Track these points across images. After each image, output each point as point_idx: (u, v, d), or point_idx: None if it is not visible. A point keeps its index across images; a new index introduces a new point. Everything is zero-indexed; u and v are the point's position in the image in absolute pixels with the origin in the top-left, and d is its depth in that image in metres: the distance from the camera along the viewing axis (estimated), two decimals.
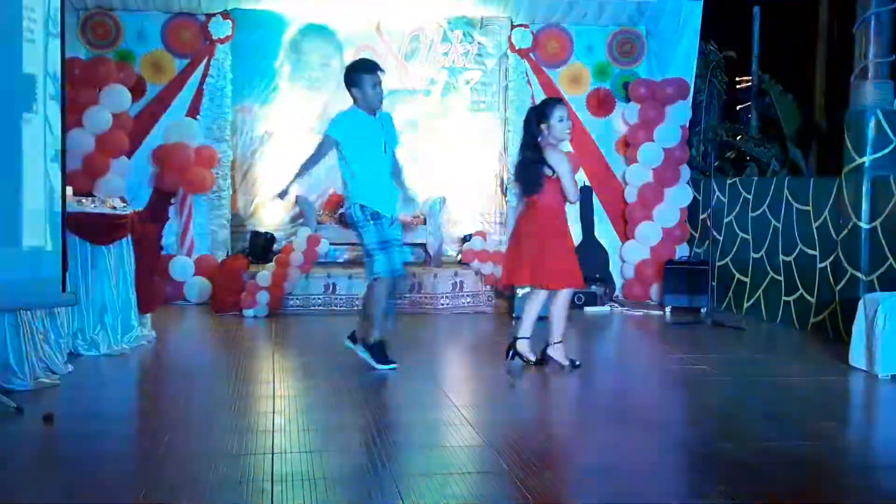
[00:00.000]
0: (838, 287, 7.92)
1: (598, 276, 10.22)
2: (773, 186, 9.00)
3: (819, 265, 8.24)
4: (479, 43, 10.45)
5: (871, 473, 4.53)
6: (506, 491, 4.04)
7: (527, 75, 10.49)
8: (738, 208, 9.53)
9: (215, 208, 9.97)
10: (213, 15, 9.89)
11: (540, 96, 10.42)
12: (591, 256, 10.36)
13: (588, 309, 9.60)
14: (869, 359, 6.52)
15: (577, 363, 6.62)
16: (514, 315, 9.01)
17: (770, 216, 8.98)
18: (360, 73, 6.36)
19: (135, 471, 4.32)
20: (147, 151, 9.76)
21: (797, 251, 8.56)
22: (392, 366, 6.45)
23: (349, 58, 10.16)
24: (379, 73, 6.38)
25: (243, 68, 10.08)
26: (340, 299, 9.27)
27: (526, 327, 6.67)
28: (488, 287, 9.43)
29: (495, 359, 6.93)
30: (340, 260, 10.21)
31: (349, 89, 6.42)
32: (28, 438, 4.84)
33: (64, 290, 5.89)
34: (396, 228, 6.48)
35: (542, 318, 6.63)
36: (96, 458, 4.50)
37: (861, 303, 6.73)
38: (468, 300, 9.46)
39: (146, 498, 3.88)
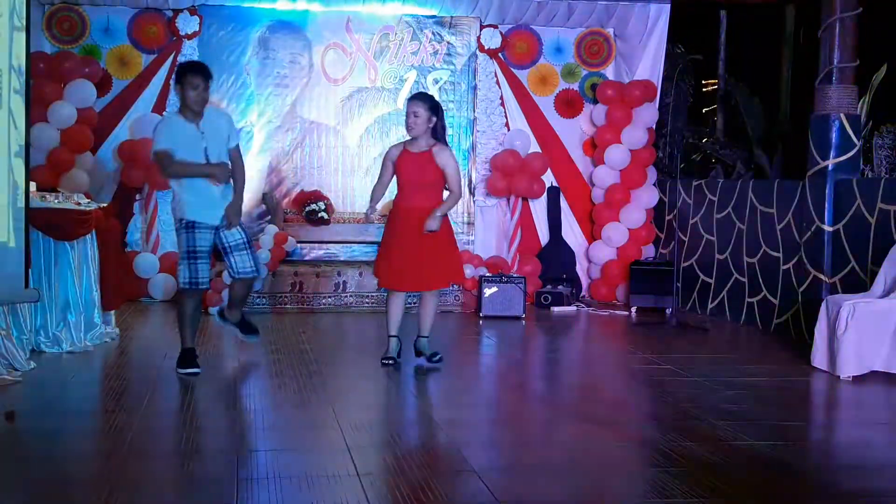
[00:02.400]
0: (801, 289, 8.01)
1: (564, 276, 10.27)
2: (737, 189, 9.07)
3: (783, 267, 8.32)
4: (448, 42, 10.46)
5: (833, 473, 4.58)
6: (470, 489, 4.04)
7: (495, 76, 10.51)
8: (703, 210, 9.60)
9: None
10: (181, 10, 9.82)
11: (508, 96, 10.48)
12: (558, 257, 10.43)
13: (555, 309, 9.64)
14: (831, 360, 6.59)
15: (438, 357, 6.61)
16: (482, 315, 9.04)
17: (735, 218, 9.06)
18: (185, 74, 6.18)
19: (98, 469, 4.28)
20: (112, 147, 9.68)
21: (761, 253, 8.64)
22: (195, 370, 6.23)
23: (318, 55, 10.18)
24: (200, 76, 6.15)
25: (211, 64, 9.83)
26: (308, 297, 9.24)
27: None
28: (455, 286, 9.43)
29: (461, 357, 6.95)
30: (308, 258, 10.18)
31: (175, 87, 6.29)
32: None
33: (27, 286, 5.84)
34: (229, 235, 6.28)
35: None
36: (59, 456, 4.46)
37: (823, 305, 6.80)
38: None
39: (110, 496, 3.84)
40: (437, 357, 6.59)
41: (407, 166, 6.44)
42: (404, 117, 6.51)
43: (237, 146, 6.41)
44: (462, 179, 6.56)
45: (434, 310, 6.63)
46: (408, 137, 6.53)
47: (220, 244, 6.29)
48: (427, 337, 6.64)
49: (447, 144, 6.60)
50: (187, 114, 6.19)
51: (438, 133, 6.47)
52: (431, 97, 6.63)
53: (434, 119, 6.41)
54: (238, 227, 6.30)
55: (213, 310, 8.76)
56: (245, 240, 6.35)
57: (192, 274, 6.14)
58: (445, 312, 9.34)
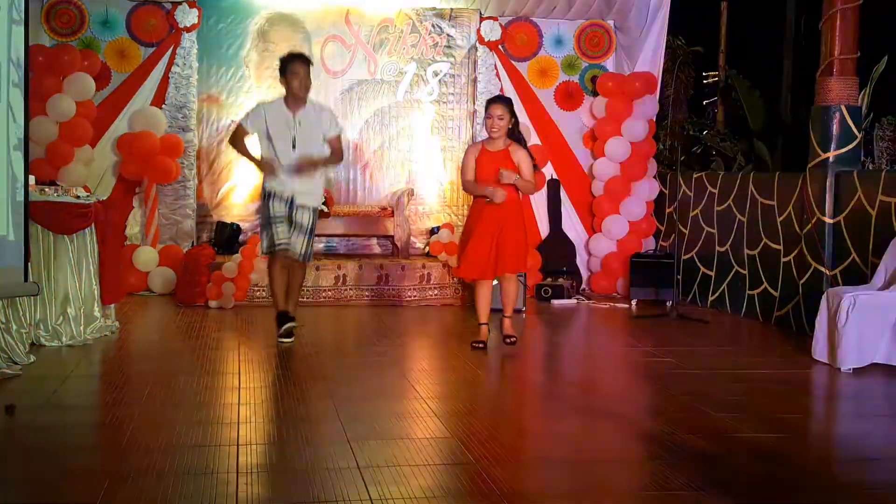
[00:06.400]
0: (802, 281, 8.00)
1: (564, 268, 10.26)
2: (738, 181, 9.06)
3: (783, 259, 8.31)
4: (447, 35, 10.44)
5: (834, 466, 4.58)
6: (471, 482, 4.04)
7: (495, 68, 10.49)
8: (703, 202, 9.59)
9: (180, 198, 9.90)
10: (180, 3, 9.80)
11: (508, 89, 10.45)
12: (558, 249, 10.42)
13: (555, 302, 9.63)
14: (831, 352, 6.59)
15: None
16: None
17: (735, 210, 9.05)
18: (286, 64, 6.75)
19: (98, 462, 4.28)
20: (111, 140, 9.67)
21: (762, 245, 8.63)
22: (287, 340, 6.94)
23: (318, 47, 10.16)
24: (300, 62, 6.74)
25: (210, 57, 10.01)
26: (307, 290, 9.22)
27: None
28: (456, 279, 9.42)
29: (462, 350, 6.95)
30: None
31: (280, 80, 6.85)
32: None
33: (26, 279, 5.83)
34: (299, 215, 6.84)
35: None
36: (59, 450, 4.46)
37: (824, 297, 6.79)
38: (435, 292, 9.45)
39: (109, 489, 3.85)
40: (513, 339, 7.13)
41: (486, 164, 6.84)
42: (485, 119, 6.91)
43: (337, 136, 6.96)
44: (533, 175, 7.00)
45: (516, 291, 7.24)
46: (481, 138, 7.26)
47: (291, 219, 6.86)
48: (510, 317, 7.17)
49: (523, 142, 7.02)
50: (290, 102, 6.80)
51: (514, 132, 6.90)
52: (510, 99, 7.12)
53: (512, 120, 6.87)
54: (310, 211, 6.86)
55: (214, 303, 8.78)
56: (308, 227, 6.87)
57: (269, 239, 6.82)
58: (445, 306, 9.34)
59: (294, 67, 6.69)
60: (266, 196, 6.85)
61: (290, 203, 6.82)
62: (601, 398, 5.88)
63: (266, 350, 6.99)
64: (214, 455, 4.38)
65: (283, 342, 6.97)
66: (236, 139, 7.00)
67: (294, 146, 6.75)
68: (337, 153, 6.99)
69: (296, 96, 6.76)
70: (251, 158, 6.99)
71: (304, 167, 6.76)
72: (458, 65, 10.50)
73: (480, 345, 6.99)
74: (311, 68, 6.85)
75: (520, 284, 7.49)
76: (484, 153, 6.88)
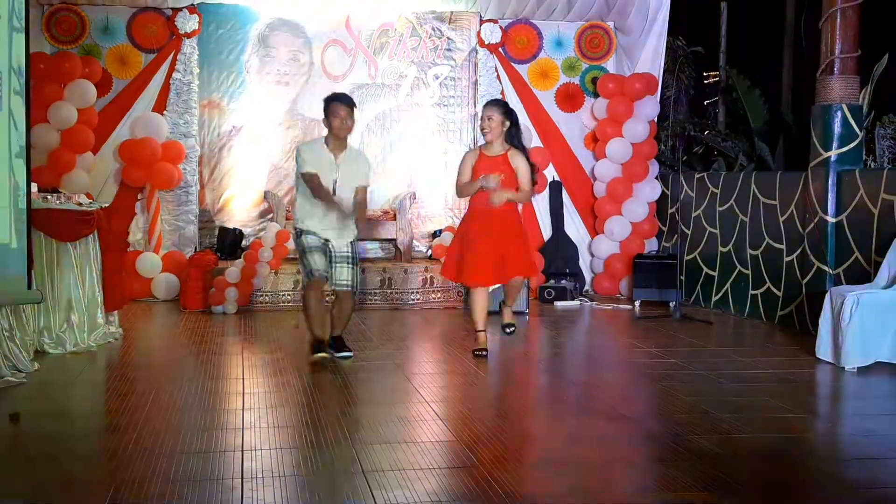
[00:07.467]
0: (805, 280, 7.99)
1: (567, 270, 10.26)
2: (740, 181, 9.06)
3: (786, 259, 8.30)
4: (448, 38, 10.44)
5: (838, 465, 4.57)
6: (476, 486, 4.04)
7: (496, 70, 10.49)
8: (705, 203, 9.58)
9: (183, 204, 9.90)
10: (180, 9, 9.80)
11: (509, 91, 10.46)
12: (561, 251, 10.42)
13: (558, 303, 9.63)
14: (835, 352, 6.59)
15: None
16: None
17: (737, 210, 9.04)
18: (329, 105, 6.64)
19: (102, 469, 4.28)
20: (113, 147, 9.67)
21: (764, 245, 8.63)
22: (321, 355, 6.62)
23: (318, 52, 10.17)
24: (342, 104, 6.60)
25: (210, 63, 10.01)
26: None
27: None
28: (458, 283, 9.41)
29: (466, 354, 6.95)
30: None
31: (323, 121, 6.73)
32: None
33: (29, 287, 5.84)
34: (337, 247, 6.63)
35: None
36: (63, 457, 4.46)
37: (827, 296, 6.79)
38: (438, 296, 9.45)
39: (114, 496, 3.85)
40: (512, 329, 7.17)
41: (484, 168, 6.75)
42: (480, 120, 6.98)
43: (364, 187, 6.76)
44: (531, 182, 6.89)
45: (518, 290, 7.22)
46: (483, 142, 6.95)
47: (328, 253, 6.64)
48: (511, 308, 7.19)
49: (523, 149, 6.90)
50: (331, 143, 6.64)
51: (514, 137, 6.81)
52: (505, 103, 7.05)
53: (507, 123, 6.75)
54: (348, 243, 6.67)
55: (217, 308, 8.78)
56: (349, 255, 6.67)
57: (307, 267, 6.59)
58: (449, 308, 9.34)
59: (335, 108, 6.58)
60: (299, 234, 6.65)
61: (326, 242, 6.63)
62: (605, 400, 5.88)
63: (270, 355, 6.99)
64: (219, 461, 4.38)
65: (314, 358, 6.64)
66: (317, 186, 6.52)
67: (334, 190, 6.55)
68: (361, 205, 6.73)
69: (336, 136, 6.61)
70: (334, 203, 6.53)
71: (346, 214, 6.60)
72: (458, 68, 10.50)
73: (483, 352, 6.89)
74: (354, 110, 6.65)
75: (523, 285, 7.52)
76: (482, 158, 6.79)
